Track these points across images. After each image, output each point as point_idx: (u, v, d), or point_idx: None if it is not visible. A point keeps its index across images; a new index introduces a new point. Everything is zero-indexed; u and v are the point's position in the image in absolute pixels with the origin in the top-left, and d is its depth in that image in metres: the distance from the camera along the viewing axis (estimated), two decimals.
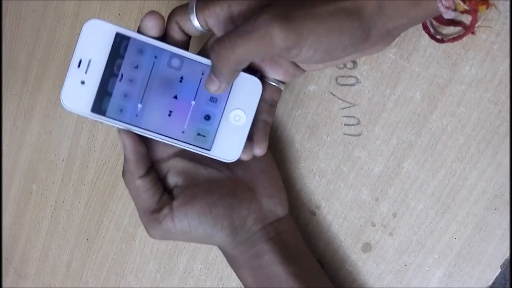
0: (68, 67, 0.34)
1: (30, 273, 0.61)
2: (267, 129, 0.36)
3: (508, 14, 0.34)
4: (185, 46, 0.35)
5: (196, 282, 0.48)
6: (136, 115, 0.34)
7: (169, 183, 0.37)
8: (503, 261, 0.37)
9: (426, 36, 0.36)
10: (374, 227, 0.40)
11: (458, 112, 0.37)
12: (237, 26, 0.30)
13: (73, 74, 0.34)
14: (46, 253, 0.58)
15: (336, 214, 0.41)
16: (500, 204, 0.36)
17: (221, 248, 0.39)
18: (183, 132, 0.35)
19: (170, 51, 0.34)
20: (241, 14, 0.32)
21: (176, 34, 0.34)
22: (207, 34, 0.35)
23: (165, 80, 0.34)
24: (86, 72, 0.34)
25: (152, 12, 0.33)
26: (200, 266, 0.48)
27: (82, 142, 0.53)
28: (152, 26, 0.33)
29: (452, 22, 0.33)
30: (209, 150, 0.35)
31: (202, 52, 0.36)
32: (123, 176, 0.37)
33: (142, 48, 0.34)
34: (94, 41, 0.33)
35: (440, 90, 0.37)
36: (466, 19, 0.33)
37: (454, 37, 0.34)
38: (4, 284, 0.64)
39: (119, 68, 0.34)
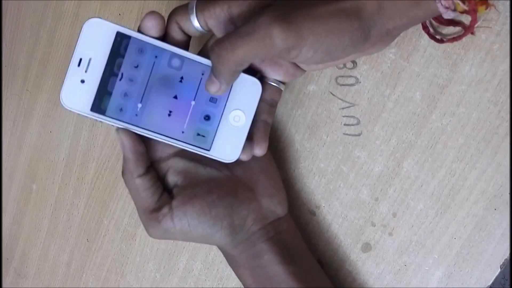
0: (68, 66, 0.34)
1: (30, 273, 0.61)
2: (267, 129, 0.36)
3: (507, 14, 0.34)
4: (185, 46, 0.35)
5: (196, 282, 0.48)
6: (136, 115, 0.34)
7: (168, 183, 0.37)
8: (503, 261, 0.37)
9: (426, 36, 0.36)
10: (374, 227, 0.40)
11: (458, 112, 0.37)
12: (237, 27, 0.30)
13: (73, 73, 0.34)
14: (46, 252, 0.59)
15: (336, 214, 0.42)
16: (499, 204, 0.36)
17: (220, 248, 0.39)
18: (182, 132, 0.35)
19: (170, 51, 0.34)
20: (241, 15, 0.32)
21: (176, 34, 0.34)
22: (207, 34, 0.35)
23: (165, 80, 0.34)
24: (86, 71, 0.34)
25: (152, 13, 0.33)
26: (200, 266, 0.48)
27: (82, 141, 0.53)
28: (152, 26, 0.33)
29: (452, 22, 0.33)
30: (208, 150, 0.35)
31: (202, 53, 0.36)
32: (122, 175, 0.37)
33: (142, 48, 0.34)
34: (95, 40, 0.33)
35: (440, 90, 0.37)
36: (466, 19, 0.33)
37: (453, 37, 0.34)
38: (4, 284, 0.64)
39: (119, 67, 0.34)
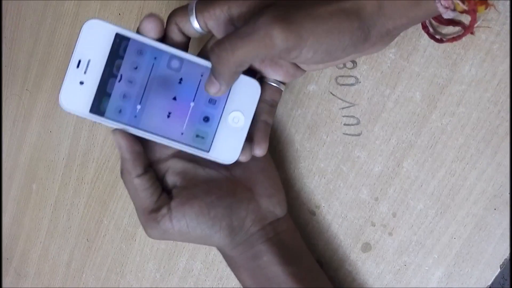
0: (67, 67, 0.34)
1: (30, 273, 0.61)
2: (268, 129, 0.36)
3: (507, 14, 0.34)
4: (184, 47, 0.35)
5: (196, 281, 0.48)
6: (135, 116, 0.34)
7: (168, 183, 0.37)
8: (503, 261, 0.37)
9: (426, 36, 0.36)
10: (374, 227, 0.40)
11: (457, 112, 0.37)
12: (237, 28, 0.30)
13: (72, 74, 0.34)
14: (46, 252, 0.59)
15: (336, 214, 0.42)
16: (499, 204, 0.36)
17: (219, 250, 0.39)
18: (181, 133, 0.35)
19: (169, 53, 0.34)
20: (241, 15, 0.32)
21: (175, 35, 0.34)
22: (207, 35, 0.35)
23: (164, 81, 0.34)
24: (85, 72, 0.33)
25: (151, 15, 0.33)
26: (200, 266, 0.48)
27: (82, 141, 0.53)
28: (151, 28, 0.33)
29: (452, 22, 0.33)
30: (207, 152, 0.35)
31: (202, 54, 0.36)
32: (121, 176, 0.37)
33: (141, 49, 0.34)
34: (94, 41, 0.33)
35: (439, 90, 0.37)
36: (466, 19, 0.33)
37: (453, 37, 0.34)
38: (4, 284, 0.64)
39: (118, 68, 0.34)
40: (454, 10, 0.30)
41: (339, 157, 0.41)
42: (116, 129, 0.35)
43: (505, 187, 0.36)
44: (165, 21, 0.34)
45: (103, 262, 0.54)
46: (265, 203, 0.38)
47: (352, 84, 0.40)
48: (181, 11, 0.33)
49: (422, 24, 0.35)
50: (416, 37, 0.37)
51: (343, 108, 0.40)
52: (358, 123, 0.40)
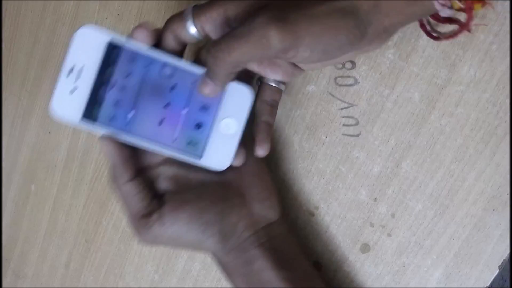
0: (59, 74, 0.33)
1: (28, 274, 0.61)
2: (269, 129, 0.36)
3: (506, 14, 0.34)
4: (179, 54, 0.35)
5: (195, 283, 0.48)
6: (127, 123, 0.34)
7: (159, 189, 0.37)
8: (501, 261, 0.37)
9: (425, 37, 0.36)
10: (373, 228, 0.40)
11: (456, 112, 0.37)
12: (233, 29, 0.30)
13: (64, 82, 0.33)
14: (45, 253, 0.58)
15: (335, 214, 0.41)
16: (498, 205, 0.36)
17: (213, 256, 0.38)
18: (173, 140, 0.35)
19: (162, 60, 0.34)
20: (237, 17, 0.32)
21: (171, 43, 0.34)
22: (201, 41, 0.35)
23: (156, 88, 0.34)
24: (77, 80, 0.33)
25: (141, 25, 0.33)
26: (199, 267, 0.48)
27: (81, 142, 0.53)
28: (142, 38, 0.33)
29: (449, 20, 0.34)
30: (199, 158, 0.35)
31: (196, 59, 0.36)
32: (111, 183, 0.36)
33: (134, 57, 0.33)
34: (86, 48, 0.33)
35: (438, 90, 0.37)
36: (464, 17, 0.33)
37: (450, 35, 0.34)
38: (2, 285, 0.63)
39: (110, 76, 0.33)
40: (451, 8, 0.30)
41: (338, 157, 0.41)
42: (103, 136, 0.34)
43: (504, 188, 0.36)
44: (156, 29, 0.34)
45: (101, 263, 0.54)
46: (258, 207, 0.37)
47: (351, 85, 0.40)
48: (178, 17, 0.33)
49: (419, 21, 0.35)
50: (415, 37, 0.37)
51: (342, 108, 0.40)
52: (357, 123, 0.40)
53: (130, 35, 0.34)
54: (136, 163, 0.36)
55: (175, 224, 0.35)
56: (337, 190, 0.41)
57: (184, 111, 0.35)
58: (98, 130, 0.34)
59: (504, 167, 0.36)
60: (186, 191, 0.36)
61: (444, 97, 0.37)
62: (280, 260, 0.37)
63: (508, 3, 0.34)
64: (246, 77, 0.37)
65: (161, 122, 0.35)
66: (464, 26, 0.33)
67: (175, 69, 0.34)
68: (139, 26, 0.33)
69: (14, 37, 0.56)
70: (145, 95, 0.34)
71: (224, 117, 0.35)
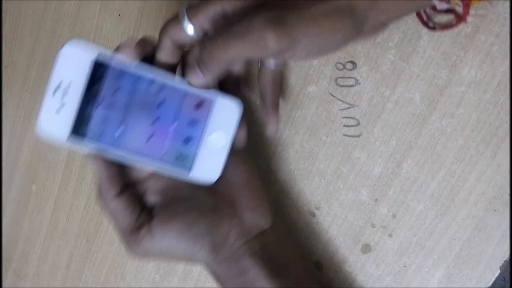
0: (45, 92, 0.32)
1: (29, 274, 0.61)
2: (276, 108, 0.37)
3: (507, 15, 0.34)
4: (173, 68, 0.35)
5: (196, 283, 0.48)
6: (116, 140, 0.34)
7: (148, 202, 0.36)
8: (503, 262, 0.37)
9: (426, 38, 0.36)
10: (374, 228, 0.40)
11: (457, 113, 0.37)
12: (230, 26, 0.30)
13: (51, 100, 0.33)
14: (46, 253, 0.58)
15: (336, 215, 0.41)
16: (499, 205, 0.36)
17: (206, 267, 0.38)
18: (162, 155, 0.35)
19: (150, 76, 0.33)
20: (235, 13, 0.31)
21: (169, 49, 0.34)
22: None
23: (144, 104, 0.34)
24: (64, 97, 0.33)
25: (125, 43, 0.33)
26: (200, 268, 0.48)
27: None
28: (129, 54, 0.33)
29: (447, 11, 0.33)
30: (188, 173, 0.35)
31: (183, 61, 0.36)
32: (98, 199, 0.36)
33: (121, 73, 0.33)
34: (72, 65, 0.32)
35: (439, 91, 0.37)
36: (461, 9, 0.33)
37: (445, 26, 0.34)
38: (3, 285, 0.63)
39: (98, 92, 0.33)
40: (448, 1, 0.30)
41: (339, 158, 0.41)
42: (90, 154, 0.34)
43: (505, 189, 0.36)
44: (140, 44, 0.34)
45: (102, 263, 0.54)
46: (249, 216, 0.37)
47: (352, 85, 0.40)
48: (173, 20, 0.33)
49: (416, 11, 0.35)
50: (416, 38, 0.37)
51: (343, 109, 0.40)
52: (358, 124, 0.40)
53: (116, 50, 0.33)
54: (123, 178, 0.36)
55: (165, 237, 0.35)
56: (338, 191, 0.41)
57: (172, 126, 0.34)
58: (86, 148, 0.34)
59: (505, 167, 0.36)
60: (175, 204, 0.36)
61: (445, 98, 0.37)
62: (274, 268, 0.36)
63: (508, 3, 0.34)
64: (233, 87, 0.37)
65: (149, 138, 0.34)
66: (460, 19, 0.33)
67: (164, 84, 0.34)
68: (123, 43, 0.33)
69: (15, 38, 0.56)
70: (133, 111, 0.34)
71: (213, 131, 0.35)
